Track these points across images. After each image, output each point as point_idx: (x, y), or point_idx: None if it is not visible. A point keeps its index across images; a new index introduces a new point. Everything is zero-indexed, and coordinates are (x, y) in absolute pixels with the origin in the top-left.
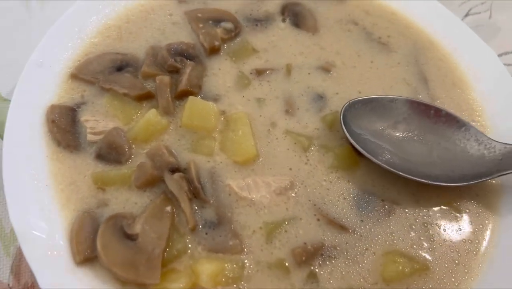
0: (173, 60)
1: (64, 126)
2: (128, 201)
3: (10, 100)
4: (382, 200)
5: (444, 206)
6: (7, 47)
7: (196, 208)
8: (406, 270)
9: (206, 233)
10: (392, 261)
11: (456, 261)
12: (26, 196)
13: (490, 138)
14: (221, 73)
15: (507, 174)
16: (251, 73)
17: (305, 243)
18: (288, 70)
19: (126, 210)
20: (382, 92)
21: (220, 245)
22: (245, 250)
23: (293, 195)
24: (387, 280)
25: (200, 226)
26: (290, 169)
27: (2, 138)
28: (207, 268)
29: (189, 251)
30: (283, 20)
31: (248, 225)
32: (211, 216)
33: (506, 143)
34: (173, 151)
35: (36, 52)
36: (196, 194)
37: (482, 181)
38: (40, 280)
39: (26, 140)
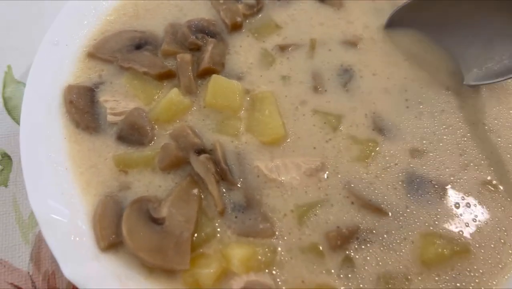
0: (194, 38)
1: (83, 107)
2: (151, 184)
3: (24, 83)
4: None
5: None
6: (20, 28)
7: (223, 190)
8: (446, 251)
9: (236, 217)
10: (430, 243)
11: (502, 241)
12: (46, 180)
13: None
14: (243, 50)
15: None
16: (272, 49)
17: (338, 227)
18: (313, 45)
19: (150, 193)
20: None
21: (250, 228)
22: (276, 233)
23: (324, 176)
24: (426, 264)
25: (229, 209)
26: (317, 148)
27: (18, 123)
28: (238, 253)
29: (218, 235)
30: None
31: (279, 208)
32: (239, 199)
33: None
34: (197, 131)
35: (51, 30)
36: (223, 176)
37: None
38: (64, 268)
39: (43, 122)
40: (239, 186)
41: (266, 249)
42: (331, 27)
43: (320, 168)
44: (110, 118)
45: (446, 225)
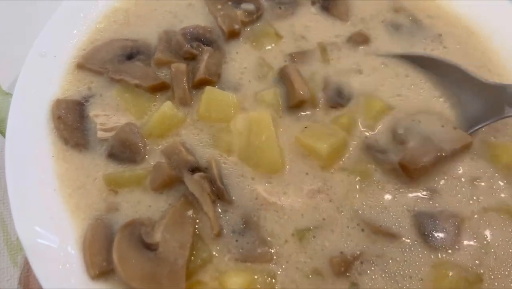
0: (189, 46)
1: (72, 122)
2: (140, 204)
3: (12, 94)
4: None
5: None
6: (8, 38)
7: (219, 211)
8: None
9: (237, 240)
10: (444, 275)
11: None
12: (33, 202)
13: None
14: (240, 59)
15: None
16: (275, 58)
17: (341, 252)
18: (323, 50)
19: (140, 214)
20: None
21: (248, 253)
22: (275, 258)
23: (326, 198)
24: None
25: (229, 232)
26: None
27: (4, 136)
28: (235, 282)
29: (214, 260)
30: (313, 3)
31: (279, 231)
32: (236, 221)
33: None
34: (190, 148)
35: (38, 41)
36: (219, 195)
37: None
38: None
39: (30, 139)
40: (236, 206)
41: (265, 276)
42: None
43: (323, 189)
44: (100, 134)
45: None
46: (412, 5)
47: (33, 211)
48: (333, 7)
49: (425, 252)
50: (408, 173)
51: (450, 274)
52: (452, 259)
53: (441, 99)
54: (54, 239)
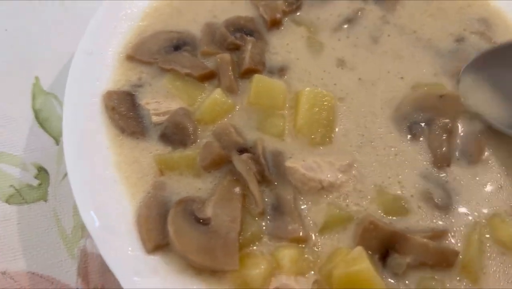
0: (233, 38)
1: (126, 112)
2: (189, 185)
3: (54, 94)
4: None
5: None
6: (44, 38)
7: (264, 190)
8: None
9: (272, 218)
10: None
11: None
12: (95, 192)
13: None
14: (285, 46)
15: None
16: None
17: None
18: None
19: (190, 195)
20: None
21: (283, 231)
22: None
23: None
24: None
25: (267, 210)
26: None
27: (51, 135)
28: (287, 254)
29: (262, 235)
30: None
31: (317, 209)
32: (275, 199)
33: None
34: (239, 130)
35: (83, 40)
36: (261, 173)
37: None
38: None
39: (85, 134)
40: (276, 184)
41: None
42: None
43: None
44: (155, 118)
45: None
46: None
47: (96, 200)
48: None
49: None
50: None
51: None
52: None
53: None
54: (121, 225)
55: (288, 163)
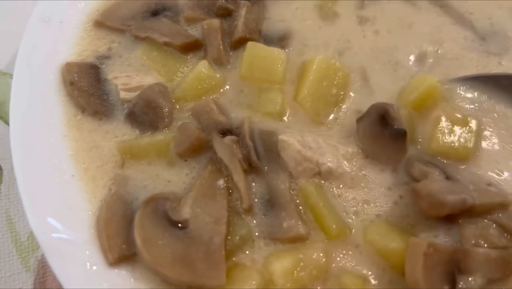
0: (224, 1)
1: (87, 88)
2: (158, 178)
3: (10, 74)
4: None
5: None
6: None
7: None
8: None
9: (264, 215)
10: None
11: None
12: (47, 191)
13: None
14: (284, 10)
15: None
16: None
17: None
18: None
19: (160, 190)
20: None
21: (278, 230)
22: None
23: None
24: None
25: (257, 205)
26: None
27: (6, 122)
28: (278, 267)
29: (254, 238)
30: None
31: (317, 200)
32: (266, 190)
33: None
34: (223, 107)
35: (39, 6)
36: (250, 162)
37: None
38: None
39: (38, 117)
40: (266, 170)
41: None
42: None
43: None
44: (123, 94)
45: None
46: None
47: (48, 201)
48: None
49: None
50: None
51: None
52: None
53: None
54: (76, 232)
55: (282, 136)
